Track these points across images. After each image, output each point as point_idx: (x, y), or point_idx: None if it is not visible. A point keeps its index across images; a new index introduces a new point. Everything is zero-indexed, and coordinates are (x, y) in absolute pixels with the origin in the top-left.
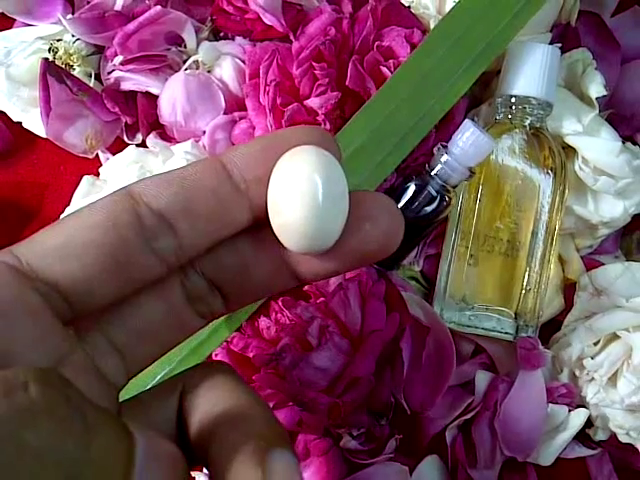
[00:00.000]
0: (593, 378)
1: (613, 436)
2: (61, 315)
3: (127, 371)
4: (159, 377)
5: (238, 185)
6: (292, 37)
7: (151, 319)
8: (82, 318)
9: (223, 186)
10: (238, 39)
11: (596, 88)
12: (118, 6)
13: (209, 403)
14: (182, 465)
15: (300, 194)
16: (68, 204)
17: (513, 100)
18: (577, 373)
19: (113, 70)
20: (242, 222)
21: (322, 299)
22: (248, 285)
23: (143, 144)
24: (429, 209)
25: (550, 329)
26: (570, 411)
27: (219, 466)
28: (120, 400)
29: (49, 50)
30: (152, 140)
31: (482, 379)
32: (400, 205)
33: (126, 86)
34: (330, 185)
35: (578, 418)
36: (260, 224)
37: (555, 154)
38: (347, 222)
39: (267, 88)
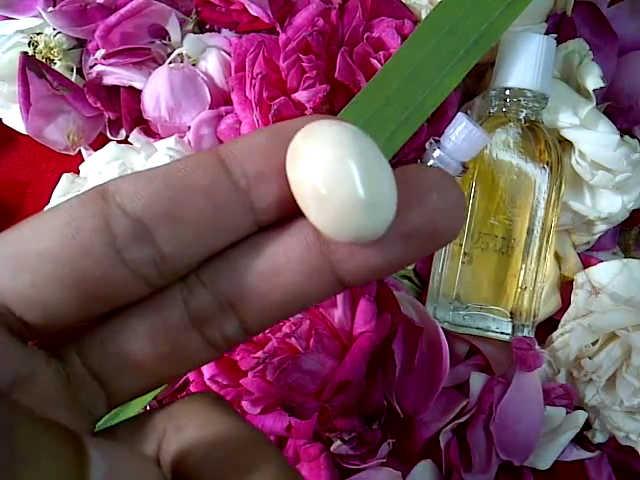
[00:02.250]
0: (591, 379)
1: (612, 438)
2: (19, 333)
3: (108, 402)
4: None
5: (237, 182)
6: (279, 28)
7: (137, 346)
8: (57, 336)
9: (218, 184)
10: (224, 31)
11: (593, 80)
12: None
13: (203, 446)
14: None
15: (335, 176)
16: (49, 203)
17: (507, 93)
18: (575, 374)
19: (95, 64)
20: (242, 228)
21: None
22: (274, 298)
23: (127, 140)
24: None
25: (547, 328)
26: (568, 413)
27: None
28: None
29: (29, 44)
30: (135, 136)
31: (477, 381)
32: None
33: (108, 80)
34: (364, 153)
35: (576, 420)
36: (272, 224)
37: (551, 148)
38: (409, 195)
39: (253, 81)
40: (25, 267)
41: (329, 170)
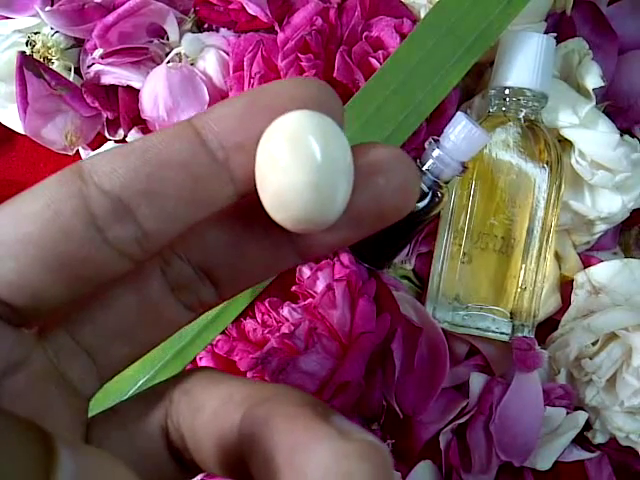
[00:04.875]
0: (591, 379)
1: (612, 439)
2: (8, 319)
3: (99, 376)
4: (141, 382)
5: (215, 154)
6: (277, 28)
7: (124, 316)
8: (44, 317)
9: (196, 157)
10: (222, 30)
11: (593, 79)
12: None
13: (219, 398)
14: None
15: (293, 163)
16: None
17: (507, 92)
18: (575, 374)
19: (93, 64)
20: (223, 199)
21: (310, 300)
22: (243, 267)
23: (125, 140)
24: (421, 205)
25: (547, 328)
26: (568, 413)
27: (276, 444)
28: (101, 409)
29: (27, 43)
30: (133, 136)
31: (477, 381)
32: None
33: (106, 80)
34: (330, 150)
35: (576, 421)
36: (249, 197)
37: (551, 147)
38: (356, 179)
39: (252, 81)
40: (8, 254)
41: (286, 168)
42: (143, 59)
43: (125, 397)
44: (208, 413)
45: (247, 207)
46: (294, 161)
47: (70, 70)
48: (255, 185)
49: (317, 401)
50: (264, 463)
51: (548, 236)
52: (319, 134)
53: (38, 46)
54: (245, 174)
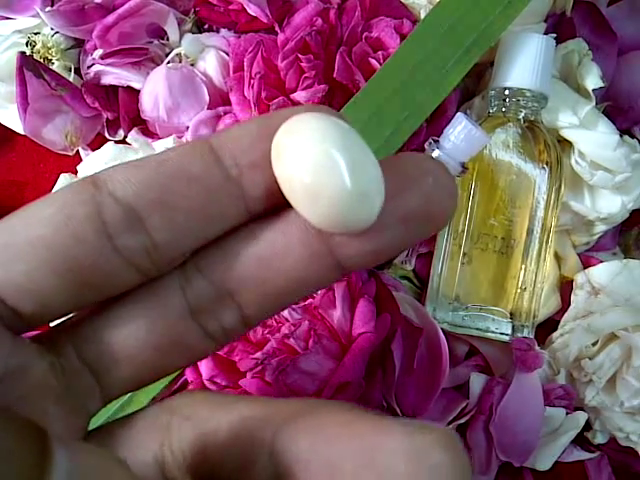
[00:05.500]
0: (591, 380)
1: (612, 439)
2: (12, 325)
3: (103, 395)
4: None
5: (229, 171)
6: (277, 28)
7: (134, 337)
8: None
9: (209, 172)
10: (222, 31)
11: (592, 79)
12: None
13: (228, 421)
14: None
15: (320, 163)
16: None
17: (507, 92)
18: (575, 374)
19: (93, 64)
20: (234, 216)
21: (310, 300)
22: (275, 284)
23: (125, 140)
24: None
25: (546, 329)
26: (568, 414)
27: (344, 451)
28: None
29: (27, 44)
30: (133, 136)
31: (477, 381)
32: None
33: (107, 80)
34: (348, 144)
35: (576, 421)
36: (278, 207)
37: (551, 148)
38: (404, 179)
39: (252, 81)
40: (18, 257)
41: (315, 164)
42: (143, 60)
43: (123, 399)
44: (222, 437)
45: (278, 216)
46: (322, 168)
47: (70, 70)
48: (281, 193)
49: (359, 406)
50: (330, 475)
51: (548, 236)
52: (335, 128)
53: (38, 46)
54: (258, 192)
